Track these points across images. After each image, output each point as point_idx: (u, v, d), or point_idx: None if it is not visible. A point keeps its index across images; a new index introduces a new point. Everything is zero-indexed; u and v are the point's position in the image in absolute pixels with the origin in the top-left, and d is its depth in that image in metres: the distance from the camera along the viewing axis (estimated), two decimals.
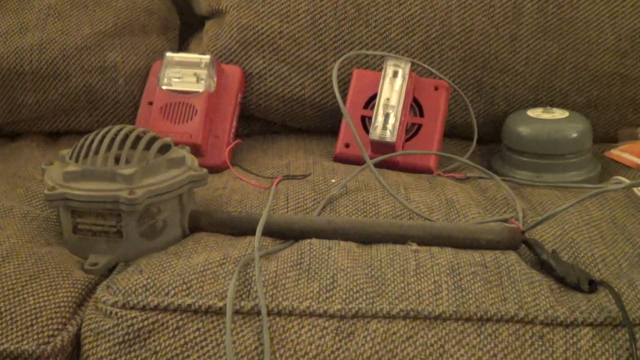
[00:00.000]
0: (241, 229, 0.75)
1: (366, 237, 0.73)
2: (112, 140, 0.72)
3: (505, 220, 0.78)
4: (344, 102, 1.00)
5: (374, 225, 0.74)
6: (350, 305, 0.64)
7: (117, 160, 0.71)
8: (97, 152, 0.71)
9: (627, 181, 0.90)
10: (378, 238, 0.73)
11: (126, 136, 0.72)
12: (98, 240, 0.71)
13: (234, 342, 0.63)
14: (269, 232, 0.74)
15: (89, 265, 0.70)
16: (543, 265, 0.70)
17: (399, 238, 0.73)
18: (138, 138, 0.73)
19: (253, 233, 0.73)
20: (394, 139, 0.94)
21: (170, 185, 0.71)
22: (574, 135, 0.94)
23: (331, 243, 0.71)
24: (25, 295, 0.66)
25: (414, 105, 0.99)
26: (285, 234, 0.74)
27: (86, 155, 0.72)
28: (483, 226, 0.74)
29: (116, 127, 0.73)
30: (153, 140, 0.74)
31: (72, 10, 1.08)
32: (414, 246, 0.71)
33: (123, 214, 0.69)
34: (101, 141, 0.72)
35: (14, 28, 1.06)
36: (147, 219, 0.71)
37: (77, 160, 0.72)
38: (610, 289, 0.65)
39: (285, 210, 0.80)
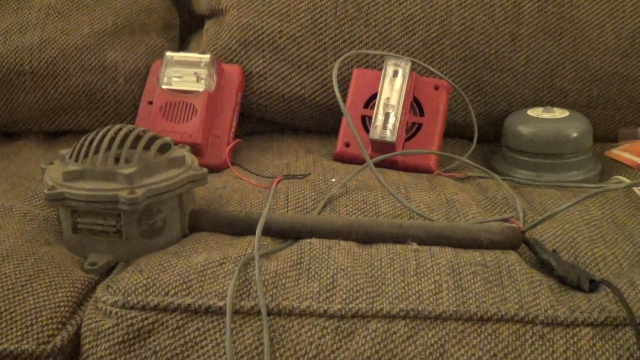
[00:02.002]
0: (241, 228, 0.75)
1: (366, 237, 0.73)
2: (112, 139, 0.72)
3: (506, 220, 0.78)
4: (344, 101, 1.00)
5: (374, 225, 0.74)
6: (350, 305, 0.64)
7: (116, 159, 0.71)
8: (96, 151, 0.71)
9: (628, 181, 0.90)
10: (378, 238, 0.73)
11: (126, 136, 0.72)
12: (98, 240, 0.71)
13: (234, 342, 0.62)
14: (269, 231, 0.74)
15: (89, 265, 0.70)
16: (543, 265, 0.70)
17: (399, 237, 0.73)
18: (138, 137, 0.73)
19: (253, 233, 0.73)
20: (394, 139, 0.94)
21: (170, 184, 0.71)
22: (574, 134, 0.94)
23: (331, 243, 0.71)
24: (25, 295, 0.66)
25: (414, 105, 0.99)
26: (285, 233, 0.74)
27: (86, 155, 0.72)
28: (483, 226, 0.74)
29: (116, 127, 0.73)
30: (153, 139, 0.74)
31: (72, 10, 1.08)
32: (415, 246, 0.71)
33: (123, 213, 0.69)
34: (101, 141, 0.72)
35: (14, 27, 1.06)
36: (147, 218, 0.71)
37: (76, 160, 0.72)
38: (612, 287, 0.65)
39: (285, 209, 0.80)
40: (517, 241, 0.72)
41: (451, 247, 0.72)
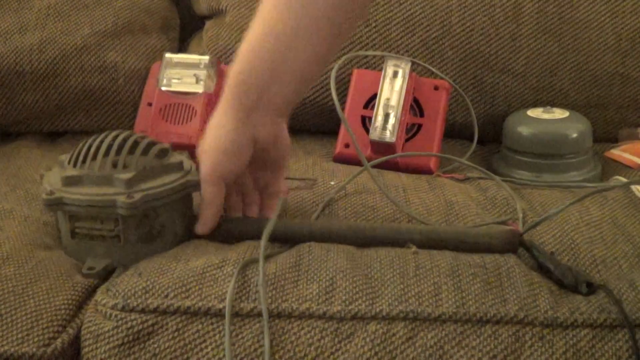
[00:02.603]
0: (242, 234, 0.74)
1: (364, 241, 0.73)
2: (110, 145, 0.72)
3: (504, 222, 0.78)
4: (344, 102, 1.00)
5: (372, 229, 0.74)
6: (349, 307, 0.64)
7: (115, 165, 0.71)
8: (94, 157, 0.71)
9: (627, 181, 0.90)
10: (376, 242, 0.73)
11: (124, 141, 0.72)
12: (96, 244, 0.71)
13: (234, 344, 0.63)
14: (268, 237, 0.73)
15: (87, 270, 0.70)
16: (541, 268, 0.70)
17: (397, 242, 0.73)
18: (136, 143, 0.73)
19: (253, 238, 0.73)
20: (393, 139, 0.94)
21: (168, 189, 0.71)
22: (574, 135, 0.94)
23: (330, 245, 0.71)
24: (26, 298, 0.66)
25: (414, 105, 0.99)
26: (284, 239, 0.74)
27: (84, 161, 0.72)
28: (481, 229, 0.74)
29: (114, 133, 0.73)
30: (151, 145, 0.74)
31: (72, 10, 1.08)
32: (414, 248, 0.71)
33: (121, 218, 0.69)
34: (99, 147, 0.72)
35: (14, 28, 1.06)
36: (145, 223, 0.71)
37: (75, 165, 0.72)
38: (609, 292, 0.65)
39: (284, 211, 0.80)
40: (515, 244, 0.72)
41: (449, 250, 0.72)
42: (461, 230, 0.73)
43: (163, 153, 0.74)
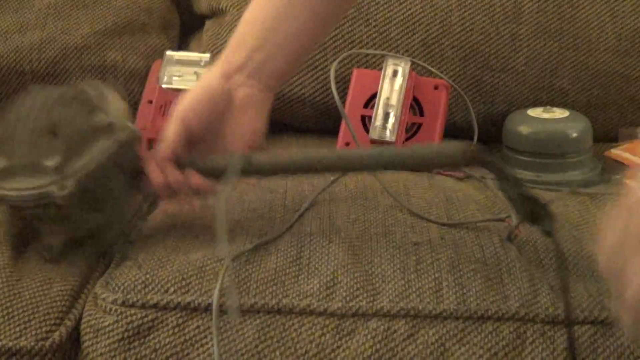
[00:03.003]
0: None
1: (311, 169, 0.70)
2: (33, 129, 0.67)
3: (502, 220, 0.78)
4: (344, 101, 1.00)
5: (317, 158, 0.70)
6: (350, 304, 0.64)
7: (41, 149, 0.66)
8: (20, 142, 0.66)
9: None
10: (323, 169, 0.71)
11: (39, 120, 0.67)
12: (49, 226, 0.69)
13: (234, 340, 0.62)
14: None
15: (44, 250, 0.69)
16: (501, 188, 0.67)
17: (347, 169, 0.72)
18: (57, 109, 0.67)
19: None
20: (393, 139, 0.94)
21: (101, 162, 0.67)
22: (574, 134, 0.94)
23: (331, 236, 0.71)
24: (21, 290, 0.65)
25: (414, 105, 0.99)
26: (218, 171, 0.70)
27: (11, 148, 0.66)
28: (434, 146, 0.71)
29: (28, 106, 0.67)
30: (75, 101, 0.69)
31: (72, 10, 1.08)
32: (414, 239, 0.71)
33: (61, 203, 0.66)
34: (22, 129, 0.66)
35: (14, 27, 1.06)
36: (88, 195, 0.67)
37: (4, 154, 0.67)
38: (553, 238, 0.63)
39: (283, 206, 0.79)
40: (470, 160, 0.65)
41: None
42: (412, 151, 0.68)
43: (91, 110, 0.69)
